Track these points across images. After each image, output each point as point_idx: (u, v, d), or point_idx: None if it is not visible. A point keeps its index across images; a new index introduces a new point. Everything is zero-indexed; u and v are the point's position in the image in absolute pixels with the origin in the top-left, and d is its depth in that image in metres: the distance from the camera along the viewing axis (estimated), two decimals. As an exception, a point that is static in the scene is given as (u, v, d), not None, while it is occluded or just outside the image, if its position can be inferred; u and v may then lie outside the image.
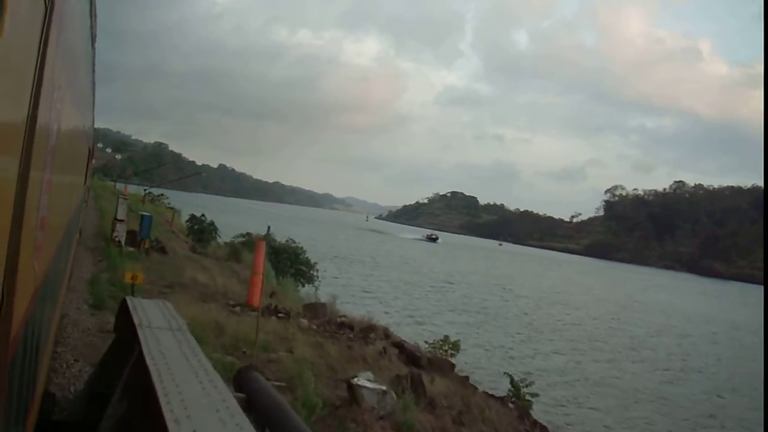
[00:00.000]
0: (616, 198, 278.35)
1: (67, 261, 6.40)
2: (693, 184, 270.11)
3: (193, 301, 11.55)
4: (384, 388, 6.67)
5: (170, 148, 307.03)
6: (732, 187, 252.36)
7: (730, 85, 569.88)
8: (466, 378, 12.13)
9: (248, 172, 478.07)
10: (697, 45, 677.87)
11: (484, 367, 20.95)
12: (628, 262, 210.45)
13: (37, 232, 2.15)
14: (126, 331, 4.29)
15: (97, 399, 4.48)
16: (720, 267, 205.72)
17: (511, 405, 11.16)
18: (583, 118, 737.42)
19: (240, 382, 5.36)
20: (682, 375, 28.40)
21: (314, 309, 13.25)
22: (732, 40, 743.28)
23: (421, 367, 10.40)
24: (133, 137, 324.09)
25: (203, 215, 30.71)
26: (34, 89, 1.68)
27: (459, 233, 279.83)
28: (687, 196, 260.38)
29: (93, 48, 6.88)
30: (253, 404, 4.93)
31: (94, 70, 8.65)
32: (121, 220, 18.72)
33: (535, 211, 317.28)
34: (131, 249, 18.06)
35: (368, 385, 6.48)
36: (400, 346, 11.58)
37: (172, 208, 44.09)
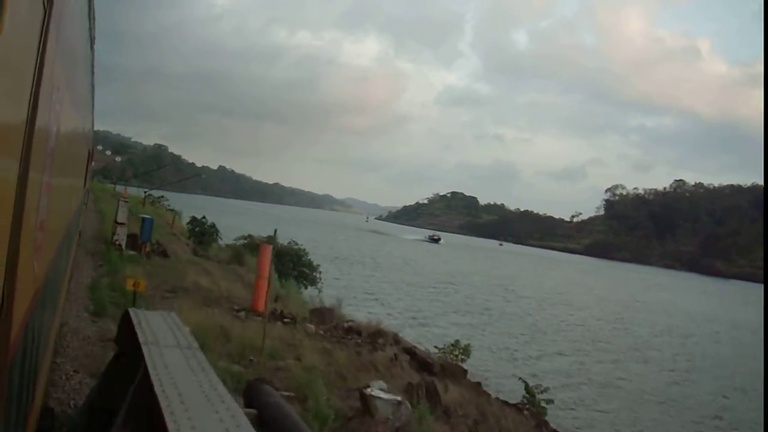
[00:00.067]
0: (617, 197, 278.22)
1: (67, 264, 6.38)
2: (693, 183, 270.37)
3: (197, 306, 11.30)
4: (398, 398, 6.42)
5: (170, 150, 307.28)
6: (732, 185, 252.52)
7: (729, 84, 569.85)
8: (479, 384, 11.86)
9: (248, 174, 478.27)
10: (696, 44, 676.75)
11: (491, 370, 20.75)
12: (629, 261, 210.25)
13: (37, 234, 2.16)
14: (129, 345, 4.06)
15: (98, 415, 4.25)
16: (720, 266, 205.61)
17: (526, 412, 10.89)
18: (584, 118, 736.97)
19: (250, 395, 5.11)
20: (687, 376, 28.27)
21: (321, 314, 13.01)
22: (732, 39, 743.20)
23: (433, 374, 10.14)
24: (132, 139, 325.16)
25: (204, 217, 30.47)
26: (33, 91, 1.69)
27: (459, 233, 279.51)
28: (687, 195, 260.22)
29: (92, 50, 6.90)
30: (264, 420, 4.68)
31: (93, 72, 8.67)
32: (121, 223, 18.46)
33: (536, 211, 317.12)
34: (132, 252, 17.82)
35: (382, 395, 6.23)
36: (411, 352, 11.32)
37: (172, 210, 43.80)
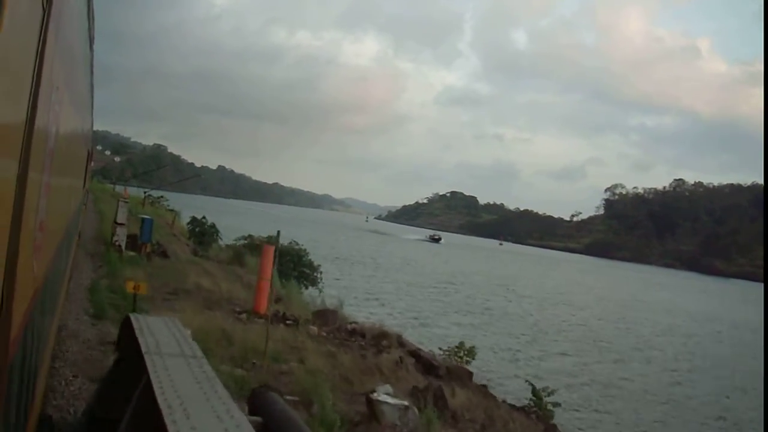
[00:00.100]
0: (617, 197, 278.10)
1: (66, 264, 6.38)
2: (693, 182, 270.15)
3: (198, 308, 11.18)
4: (405, 403, 6.29)
5: (169, 150, 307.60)
6: (732, 184, 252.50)
7: (729, 83, 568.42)
8: (485, 387, 11.72)
9: (247, 174, 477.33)
10: (696, 43, 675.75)
11: (493, 371, 20.63)
12: (629, 260, 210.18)
13: (36, 234, 2.17)
14: (130, 352, 3.94)
15: (98, 424, 4.13)
16: (720, 265, 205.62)
17: (533, 416, 10.75)
18: (583, 117, 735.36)
19: (255, 402, 4.98)
20: (690, 376, 28.20)
21: (324, 315, 12.88)
22: (731, 38, 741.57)
23: (439, 377, 10.01)
24: (132, 139, 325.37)
25: (204, 217, 30.36)
26: (32, 91, 1.69)
27: (459, 233, 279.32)
28: (687, 194, 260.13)
29: (91, 49, 6.89)
30: (269, 428, 4.55)
31: (92, 72, 8.66)
32: (121, 224, 18.30)
33: (535, 211, 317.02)
34: (132, 253, 17.68)
35: (389, 400, 6.10)
36: (416, 354, 11.18)
37: (172, 211, 43.62)
